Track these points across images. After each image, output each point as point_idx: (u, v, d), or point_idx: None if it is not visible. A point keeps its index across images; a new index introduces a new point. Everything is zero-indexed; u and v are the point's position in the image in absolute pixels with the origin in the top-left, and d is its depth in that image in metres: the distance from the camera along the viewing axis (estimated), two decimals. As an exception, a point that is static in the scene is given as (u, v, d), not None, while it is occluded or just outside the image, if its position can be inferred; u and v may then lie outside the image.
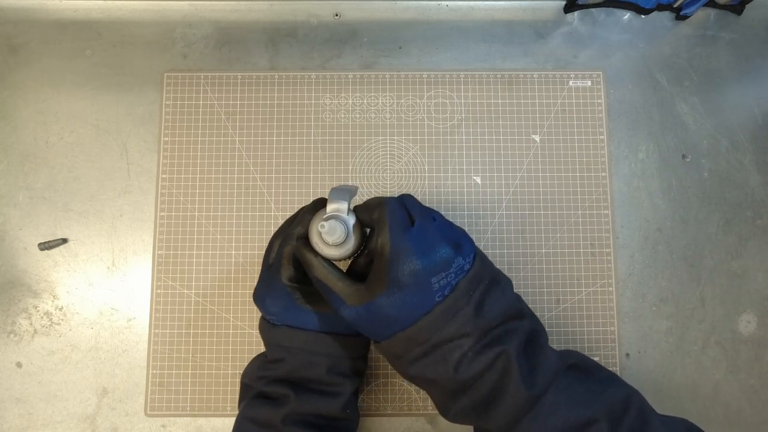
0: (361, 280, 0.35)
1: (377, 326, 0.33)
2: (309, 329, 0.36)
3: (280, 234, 0.39)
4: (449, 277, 0.32)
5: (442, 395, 0.34)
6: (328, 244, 0.35)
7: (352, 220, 0.36)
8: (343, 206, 0.35)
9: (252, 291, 0.49)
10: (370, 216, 0.35)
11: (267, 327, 0.38)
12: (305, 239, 0.36)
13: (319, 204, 0.38)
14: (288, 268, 0.37)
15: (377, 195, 0.50)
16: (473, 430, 0.37)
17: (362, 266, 0.37)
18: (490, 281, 0.34)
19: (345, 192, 0.36)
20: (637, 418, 0.31)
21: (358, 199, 0.49)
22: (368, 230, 0.38)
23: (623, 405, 0.31)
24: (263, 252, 0.49)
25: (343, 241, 0.35)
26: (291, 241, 0.37)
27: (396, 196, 0.37)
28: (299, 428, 0.35)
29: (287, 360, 0.36)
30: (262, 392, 0.37)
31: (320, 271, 0.35)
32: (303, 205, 0.40)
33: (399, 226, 0.33)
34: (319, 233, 0.35)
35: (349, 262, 0.39)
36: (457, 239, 0.34)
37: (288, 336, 0.36)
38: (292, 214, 0.40)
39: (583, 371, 0.34)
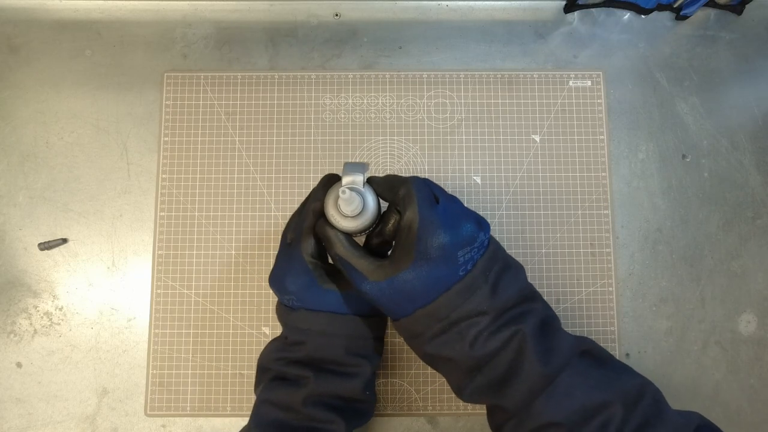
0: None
1: (398, 302, 0.33)
2: (327, 311, 0.36)
3: (298, 213, 0.39)
4: (473, 252, 0.33)
5: (458, 374, 0.34)
6: (345, 216, 0.35)
7: (368, 193, 0.35)
8: (359, 179, 0.35)
9: (252, 293, 0.49)
10: (394, 193, 0.35)
11: (284, 311, 0.37)
12: (323, 216, 0.36)
13: (332, 179, 0.38)
14: (308, 243, 0.37)
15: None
16: (486, 409, 0.37)
17: (377, 245, 0.37)
18: (504, 263, 0.34)
19: (359, 166, 0.36)
20: (652, 406, 0.31)
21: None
22: (383, 209, 0.38)
23: (638, 392, 0.32)
24: (263, 252, 0.49)
25: (360, 213, 0.35)
26: (308, 215, 0.37)
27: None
28: (320, 410, 0.35)
29: (306, 343, 0.36)
30: (281, 374, 0.37)
31: (341, 248, 0.35)
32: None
33: (426, 202, 0.33)
34: (336, 205, 0.35)
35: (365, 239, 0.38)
36: (477, 216, 0.35)
37: (306, 318, 0.36)
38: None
39: (597, 358, 0.34)
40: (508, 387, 0.32)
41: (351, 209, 0.34)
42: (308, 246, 0.37)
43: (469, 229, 0.33)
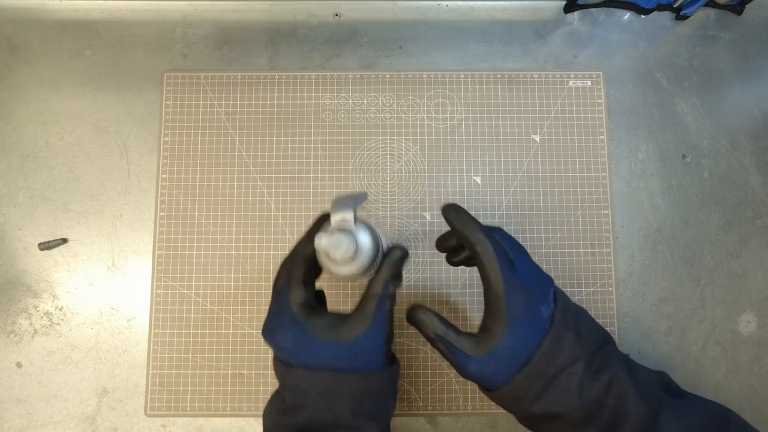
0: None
1: (498, 371, 0.33)
2: (327, 368, 0.32)
3: (289, 258, 0.36)
4: (550, 305, 0.34)
5: (566, 430, 0.33)
6: (337, 262, 0.31)
7: (362, 232, 0.32)
8: (348, 216, 0.31)
9: (252, 293, 0.49)
10: (468, 245, 0.34)
11: (281, 368, 0.33)
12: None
13: (325, 218, 0.35)
14: (297, 290, 0.34)
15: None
16: None
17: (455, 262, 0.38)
18: (574, 309, 0.35)
19: (348, 200, 0.32)
20: (739, 426, 0.33)
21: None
22: (385, 242, 0.35)
23: (724, 416, 0.33)
24: (263, 252, 0.49)
25: (352, 255, 0.30)
26: (297, 260, 0.34)
27: (487, 226, 0.35)
28: None
29: (307, 406, 0.32)
30: None
31: (436, 328, 0.33)
32: (318, 215, 0.37)
33: (506, 264, 0.33)
34: (325, 251, 0.31)
35: (365, 282, 0.35)
36: (542, 270, 0.36)
37: (305, 378, 0.32)
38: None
39: (677, 389, 0.35)
40: None
41: (340, 254, 0.30)
42: (297, 295, 0.33)
43: (543, 282, 0.35)
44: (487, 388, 0.34)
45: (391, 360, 0.35)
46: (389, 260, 0.34)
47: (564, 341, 0.32)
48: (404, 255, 0.35)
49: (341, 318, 0.33)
